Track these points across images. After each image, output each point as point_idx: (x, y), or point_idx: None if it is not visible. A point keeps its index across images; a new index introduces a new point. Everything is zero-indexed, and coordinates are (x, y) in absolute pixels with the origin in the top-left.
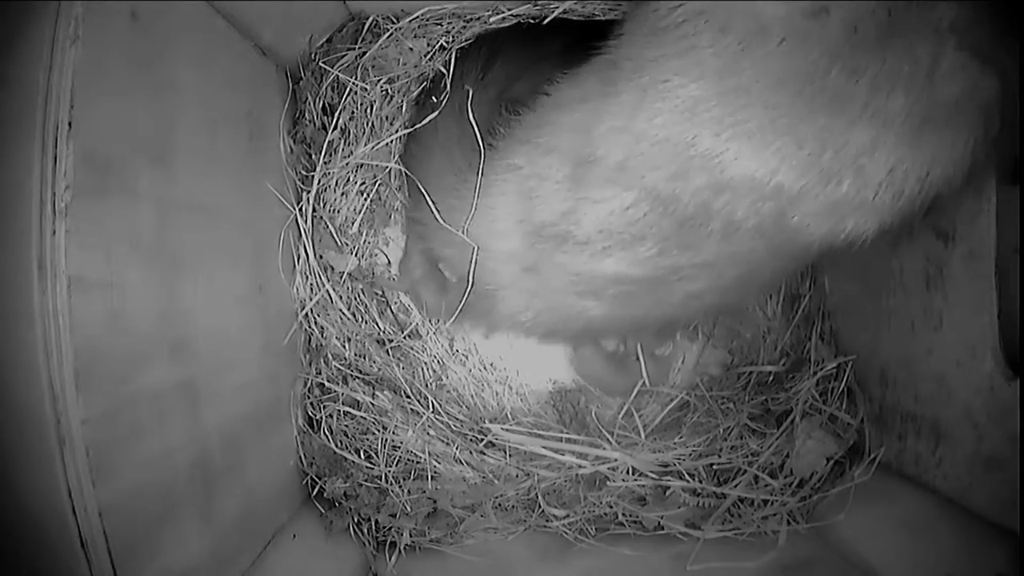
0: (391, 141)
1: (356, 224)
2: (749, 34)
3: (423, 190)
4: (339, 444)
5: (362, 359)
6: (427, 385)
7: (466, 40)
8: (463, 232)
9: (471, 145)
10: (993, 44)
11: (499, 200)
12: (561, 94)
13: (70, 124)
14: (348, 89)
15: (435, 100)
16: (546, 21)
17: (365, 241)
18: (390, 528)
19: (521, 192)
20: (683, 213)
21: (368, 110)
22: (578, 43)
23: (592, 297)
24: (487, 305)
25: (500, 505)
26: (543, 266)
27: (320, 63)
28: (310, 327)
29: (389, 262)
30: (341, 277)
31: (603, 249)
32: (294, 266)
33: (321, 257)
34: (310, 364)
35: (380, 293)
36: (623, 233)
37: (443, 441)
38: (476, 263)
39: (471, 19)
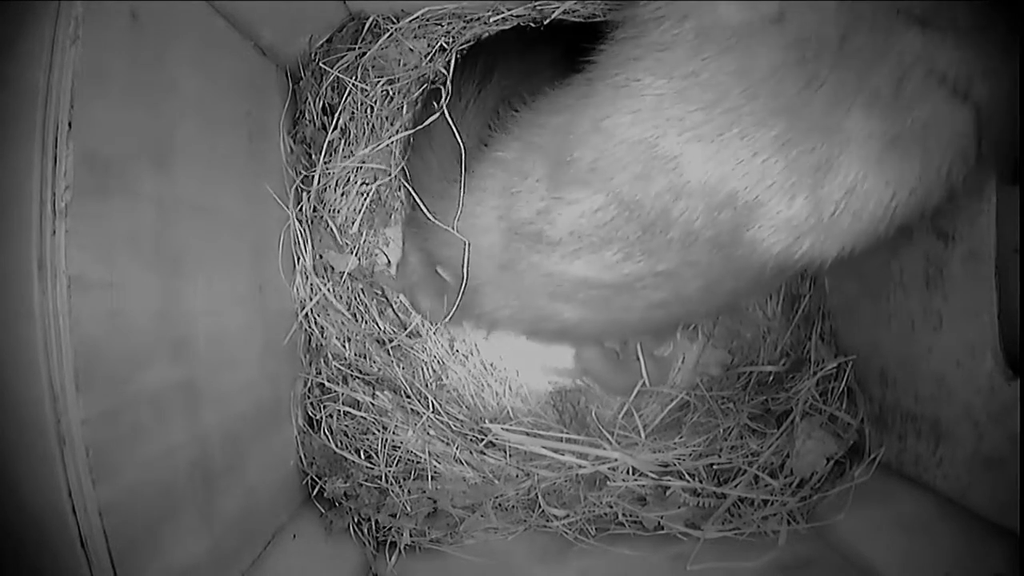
0: (391, 142)
1: (356, 224)
2: (708, 32)
3: (413, 191)
4: (339, 444)
5: (362, 359)
6: (427, 385)
7: (466, 41)
8: (454, 228)
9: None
10: (969, 77)
11: (484, 195)
12: (556, 99)
13: (70, 124)
14: (348, 89)
15: (435, 103)
16: (547, 22)
17: (365, 241)
18: (390, 528)
19: (504, 187)
20: (646, 219)
21: (368, 111)
22: (577, 50)
23: (563, 300)
24: (472, 300)
25: (500, 505)
26: (519, 265)
27: (320, 63)
28: (310, 327)
29: (389, 262)
30: (341, 277)
31: (573, 251)
32: (294, 266)
33: (321, 257)
34: (310, 364)
35: (380, 293)
36: (591, 236)
37: (443, 441)
38: (468, 259)
39: (471, 20)
